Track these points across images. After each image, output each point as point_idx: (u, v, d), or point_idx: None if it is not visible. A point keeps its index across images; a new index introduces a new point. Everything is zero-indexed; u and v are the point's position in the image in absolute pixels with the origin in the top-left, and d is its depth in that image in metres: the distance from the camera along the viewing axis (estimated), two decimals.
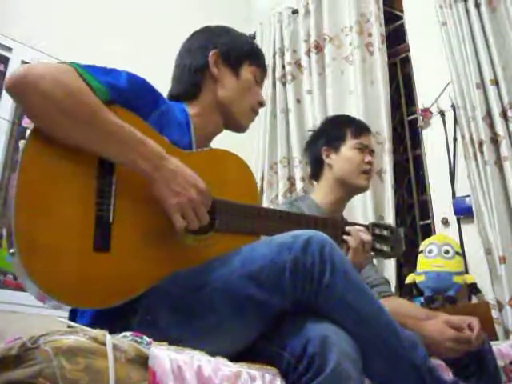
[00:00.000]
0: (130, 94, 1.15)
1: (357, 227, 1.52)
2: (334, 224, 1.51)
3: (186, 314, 1.04)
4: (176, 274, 1.09)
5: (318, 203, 1.86)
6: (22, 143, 2.64)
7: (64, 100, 1.00)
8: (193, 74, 1.37)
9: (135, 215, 1.09)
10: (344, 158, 1.88)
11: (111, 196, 1.06)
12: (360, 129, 1.94)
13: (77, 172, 1.04)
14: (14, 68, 2.57)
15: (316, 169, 1.98)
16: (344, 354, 0.95)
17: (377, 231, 1.60)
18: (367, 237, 1.50)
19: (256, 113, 1.44)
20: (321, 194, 1.90)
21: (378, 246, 1.58)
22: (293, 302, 1.03)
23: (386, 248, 1.61)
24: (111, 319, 1.05)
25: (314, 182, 2.03)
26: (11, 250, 0.94)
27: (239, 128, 1.44)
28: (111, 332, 0.88)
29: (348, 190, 1.90)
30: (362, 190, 1.93)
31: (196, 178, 1.11)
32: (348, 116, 2.16)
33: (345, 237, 1.48)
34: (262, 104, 1.45)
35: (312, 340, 0.96)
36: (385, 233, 1.62)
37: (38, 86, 0.99)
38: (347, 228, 1.50)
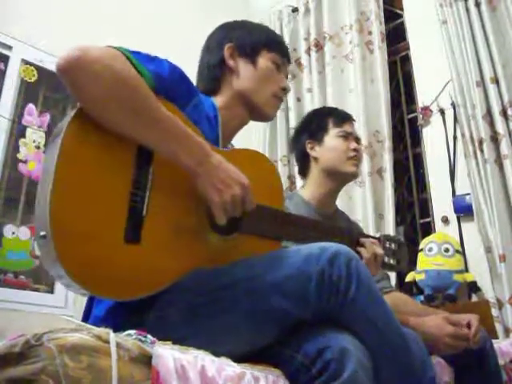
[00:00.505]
0: (170, 83, 1.14)
1: (370, 239, 1.54)
2: (350, 234, 1.52)
3: (203, 312, 1.04)
4: (198, 271, 1.08)
5: (305, 199, 1.83)
6: (22, 141, 2.62)
7: (115, 85, 1.00)
8: (211, 70, 1.37)
9: (168, 209, 1.08)
10: (329, 147, 1.84)
11: (147, 188, 1.05)
12: (341, 117, 1.90)
13: (115, 160, 1.04)
14: (14, 67, 2.57)
15: (303, 165, 1.94)
16: (360, 364, 0.95)
17: (387, 244, 1.61)
18: (380, 250, 1.52)
19: (280, 99, 1.41)
20: (309, 190, 1.87)
21: (386, 259, 1.59)
22: (314, 313, 1.02)
23: (392, 261, 1.61)
24: (126, 313, 1.06)
25: (303, 179, 1.99)
26: (41, 233, 0.93)
27: (264, 117, 1.41)
28: (125, 326, 0.88)
29: (337, 179, 1.86)
30: (351, 177, 1.88)
31: (239, 174, 1.10)
32: (328, 107, 2.15)
33: (358, 248, 1.49)
34: (285, 90, 1.41)
35: (331, 347, 0.96)
36: (393, 246, 1.63)
37: (90, 69, 0.98)
38: (361, 240, 1.51)
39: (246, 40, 1.38)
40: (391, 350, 1.04)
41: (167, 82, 1.14)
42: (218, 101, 1.35)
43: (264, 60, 1.37)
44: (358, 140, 1.90)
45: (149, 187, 1.06)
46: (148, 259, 1.04)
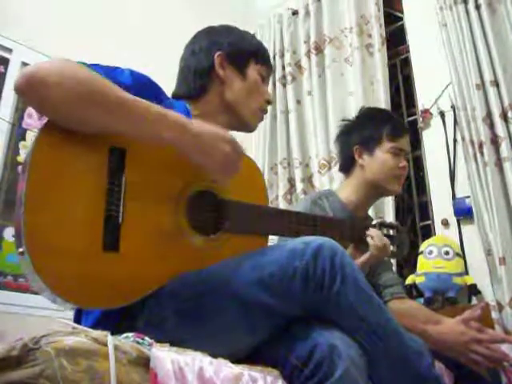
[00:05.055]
0: (135, 91, 1.13)
1: (375, 229, 1.54)
2: (342, 224, 1.50)
3: (192, 316, 1.04)
4: (185, 275, 1.08)
5: (342, 200, 1.81)
6: (22, 144, 2.63)
7: (77, 84, 0.99)
8: (198, 76, 1.35)
9: (145, 215, 1.08)
10: (378, 161, 1.80)
11: (121, 195, 1.05)
12: (397, 130, 1.84)
13: (87, 170, 1.03)
14: (14, 69, 2.57)
15: (346, 164, 1.91)
16: (352, 362, 0.94)
17: (384, 231, 1.60)
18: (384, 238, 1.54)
19: (265, 112, 1.42)
20: (347, 192, 1.84)
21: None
22: (302, 309, 1.02)
23: (392, 248, 1.61)
24: (116, 320, 1.05)
25: (343, 176, 1.97)
26: (20, 249, 0.93)
27: (248, 128, 1.42)
28: (116, 333, 0.87)
29: (378, 192, 1.86)
30: (393, 194, 1.91)
31: (219, 131, 1.11)
32: (385, 112, 2.06)
33: (368, 238, 1.50)
34: (269, 102, 1.43)
35: (319, 345, 0.95)
36: (391, 232, 1.62)
37: (48, 79, 0.97)
38: (370, 229, 1.52)
39: (235, 48, 1.37)
40: (385, 344, 1.03)
41: (131, 89, 1.12)
42: (196, 107, 1.34)
43: (252, 72, 1.38)
44: (407, 155, 1.87)
45: (123, 194, 1.05)
46: (129, 266, 1.03)
